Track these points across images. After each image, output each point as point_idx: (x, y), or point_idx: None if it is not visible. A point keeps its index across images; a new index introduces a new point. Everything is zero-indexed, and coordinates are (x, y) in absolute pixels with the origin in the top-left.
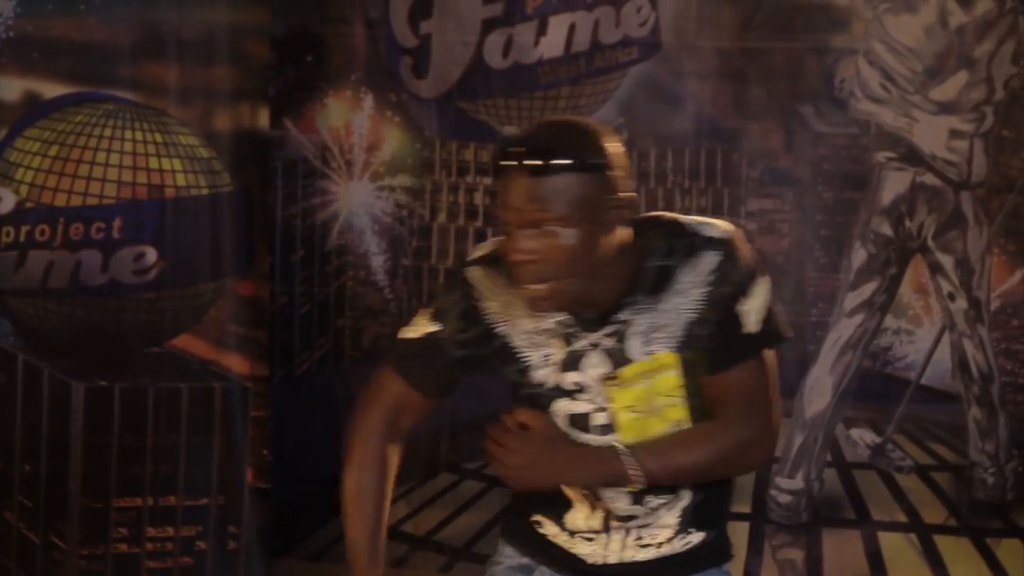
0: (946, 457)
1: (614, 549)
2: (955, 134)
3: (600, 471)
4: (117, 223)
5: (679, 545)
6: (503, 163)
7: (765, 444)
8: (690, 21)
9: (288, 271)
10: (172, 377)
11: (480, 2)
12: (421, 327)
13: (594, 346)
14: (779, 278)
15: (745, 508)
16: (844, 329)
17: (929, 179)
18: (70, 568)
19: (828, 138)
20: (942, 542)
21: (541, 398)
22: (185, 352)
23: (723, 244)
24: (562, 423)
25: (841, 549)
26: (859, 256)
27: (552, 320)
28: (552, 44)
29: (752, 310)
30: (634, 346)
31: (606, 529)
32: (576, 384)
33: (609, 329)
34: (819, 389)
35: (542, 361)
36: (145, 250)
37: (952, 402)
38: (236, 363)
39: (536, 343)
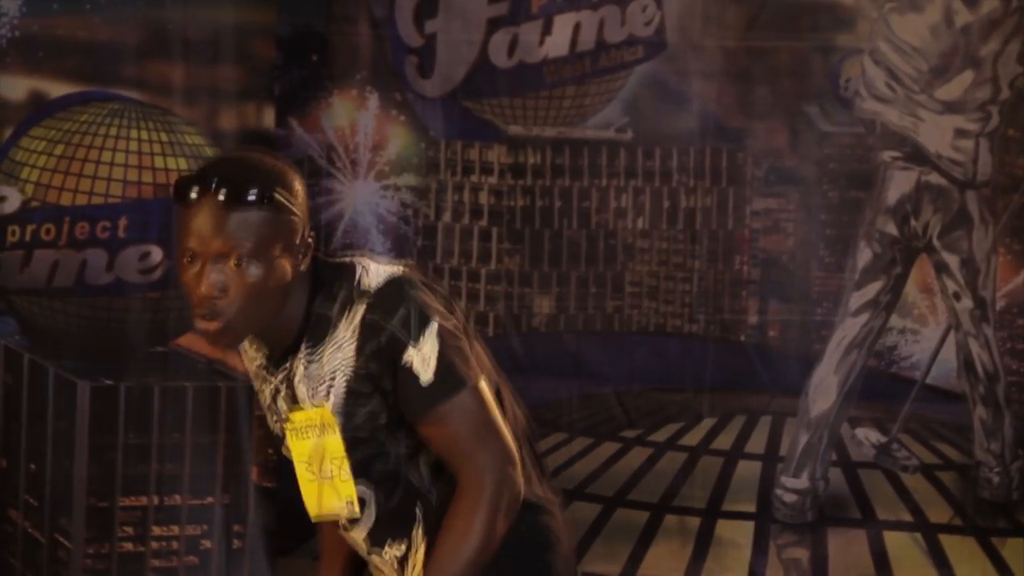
0: (951, 456)
1: None
2: (960, 133)
3: None
4: (123, 222)
5: None
6: (189, 191)
7: (505, 489)
8: (695, 20)
9: None
10: (177, 376)
11: (485, 1)
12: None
13: (276, 391)
14: (784, 278)
15: (750, 507)
16: (849, 328)
17: (934, 178)
18: (75, 567)
19: (833, 137)
20: (947, 541)
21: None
22: (190, 351)
23: (373, 295)
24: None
25: (846, 548)
26: (864, 255)
27: (257, 362)
28: (557, 43)
29: (423, 360)
30: (301, 392)
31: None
32: (281, 429)
33: (283, 374)
34: (824, 388)
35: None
36: (150, 249)
37: (957, 401)
38: (241, 362)
39: (257, 385)
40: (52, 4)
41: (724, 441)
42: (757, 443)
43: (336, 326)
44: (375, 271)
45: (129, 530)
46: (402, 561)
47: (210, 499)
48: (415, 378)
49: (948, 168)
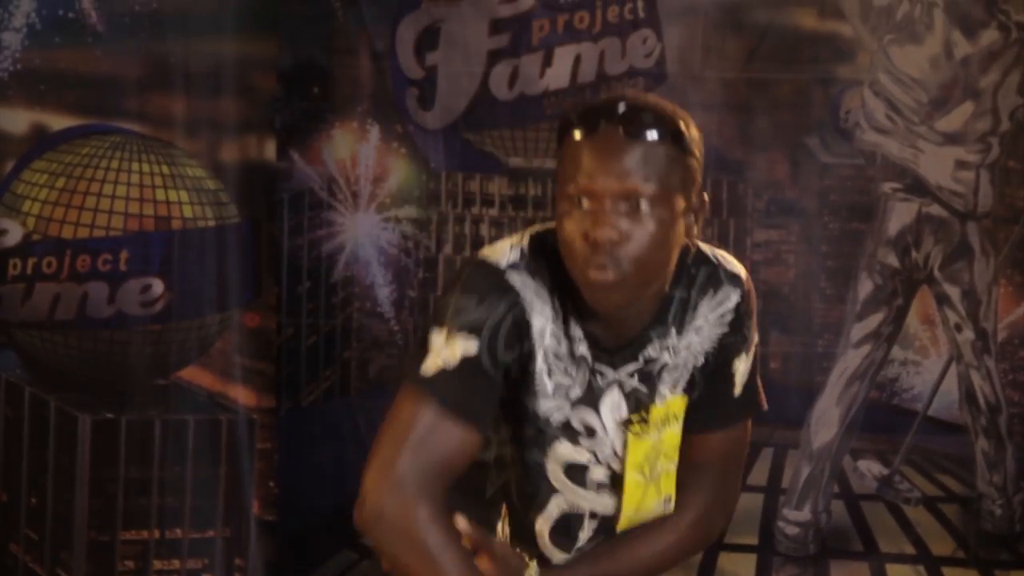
0: (954, 489)
1: None
2: (961, 165)
3: None
4: (124, 255)
5: None
6: (593, 118)
7: (721, 522)
8: (695, 52)
9: (294, 303)
10: (179, 409)
11: (486, 34)
12: (456, 348)
13: (617, 384)
14: (785, 309)
15: (752, 540)
16: (851, 360)
17: (935, 210)
18: None
19: (834, 169)
20: (950, 574)
21: (541, 437)
22: (192, 384)
23: (744, 285)
24: (557, 471)
25: None
26: (865, 287)
27: (583, 347)
28: (558, 75)
29: (743, 372)
30: (664, 385)
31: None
32: (587, 426)
33: (634, 366)
34: (826, 420)
35: (558, 392)
36: (152, 282)
37: (959, 433)
38: (242, 395)
39: (561, 369)
40: (54, 37)
41: None
42: (759, 475)
43: (697, 307)
44: (727, 256)
45: (130, 564)
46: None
47: (211, 532)
48: (732, 387)
49: (949, 199)
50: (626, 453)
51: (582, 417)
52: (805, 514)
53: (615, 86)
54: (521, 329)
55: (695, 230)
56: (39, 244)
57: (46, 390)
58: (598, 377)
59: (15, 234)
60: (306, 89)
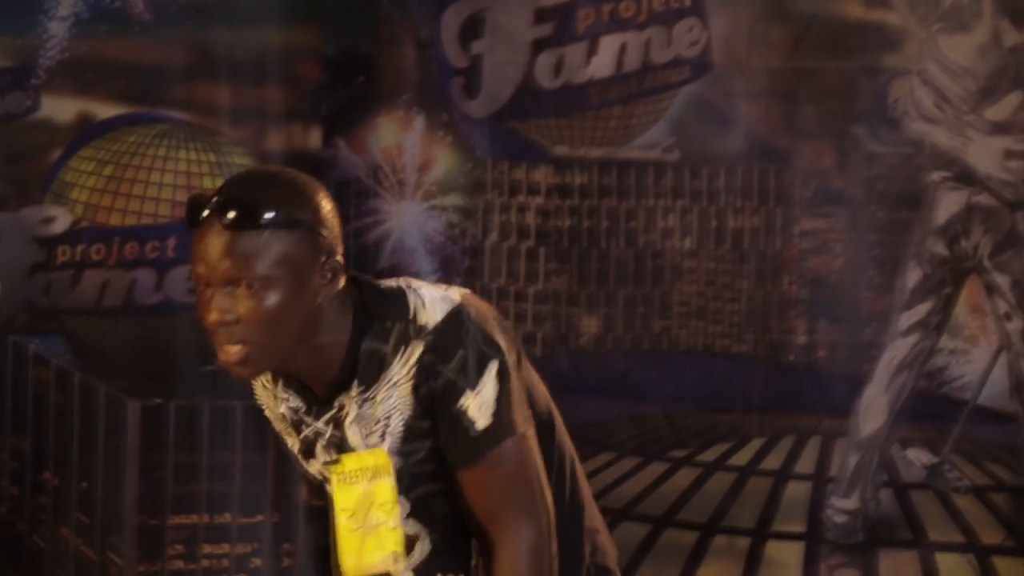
0: (1003, 477)
1: None
2: (1010, 154)
3: None
4: (171, 242)
5: None
6: (198, 213)
7: (549, 546)
8: (742, 41)
9: None
10: (227, 395)
11: (531, 22)
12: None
13: (319, 434)
14: (833, 298)
15: (799, 528)
16: (899, 349)
17: (984, 199)
18: None
19: (881, 158)
20: (999, 563)
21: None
22: None
23: (431, 334)
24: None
25: (897, 570)
26: (913, 276)
27: (285, 406)
28: (603, 64)
29: (479, 406)
30: (353, 435)
31: None
32: (321, 475)
33: (329, 415)
34: (874, 409)
35: (293, 450)
36: None
37: (1009, 422)
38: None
39: (284, 430)
40: (101, 26)
41: (773, 461)
42: (806, 464)
43: (390, 364)
44: (431, 301)
45: (179, 548)
46: None
47: (260, 517)
48: (470, 424)
49: (998, 189)
50: (334, 498)
51: (314, 469)
52: (853, 502)
53: (661, 74)
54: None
55: (331, 289)
56: (87, 231)
57: (95, 376)
58: (306, 429)
59: (63, 221)
60: (351, 78)
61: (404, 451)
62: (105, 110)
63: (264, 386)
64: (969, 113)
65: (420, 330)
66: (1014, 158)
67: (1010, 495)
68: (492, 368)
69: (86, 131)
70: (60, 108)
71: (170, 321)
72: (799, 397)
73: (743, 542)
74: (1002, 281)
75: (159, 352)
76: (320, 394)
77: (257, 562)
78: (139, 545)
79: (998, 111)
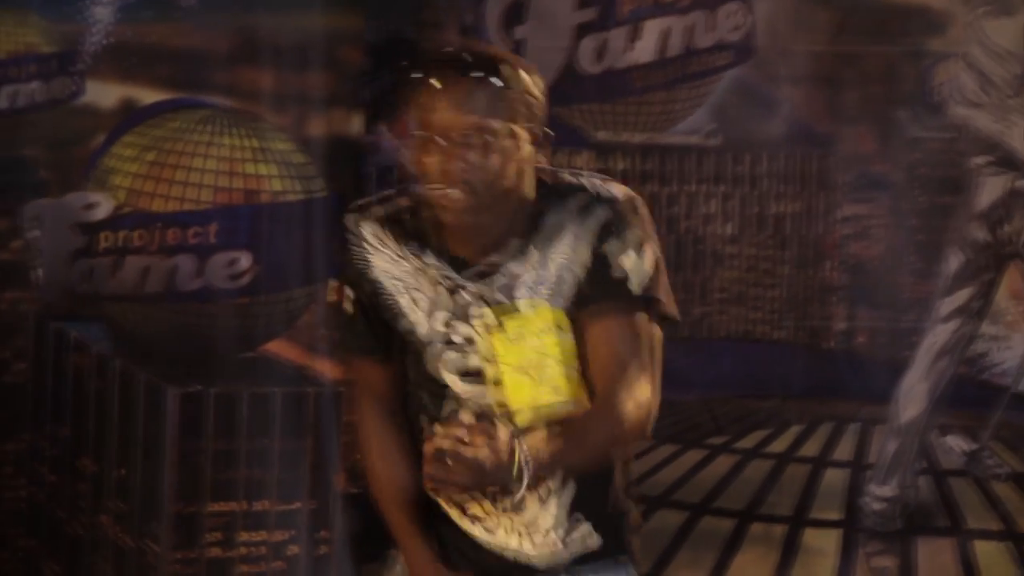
0: None
1: (501, 535)
2: None
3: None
4: (213, 228)
5: (565, 535)
6: (439, 64)
7: (646, 421)
8: (784, 25)
9: None
10: (265, 382)
11: (573, 7)
12: (347, 301)
13: (478, 296)
14: (873, 284)
15: (837, 515)
16: (939, 335)
17: None
18: (163, 572)
19: (923, 142)
20: None
21: (430, 351)
22: (278, 357)
23: (618, 203)
24: (456, 381)
25: (935, 557)
26: (954, 261)
27: (432, 267)
28: (645, 49)
29: (633, 267)
30: (519, 297)
31: (479, 518)
32: (466, 337)
33: (491, 278)
34: (913, 395)
35: (420, 309)
36: (239, 255)
37: None
38: (328, 368)
39: (420, 301)
40: (145, 11)
41: (811, 448)
42: (845, 450)
43: (567, 229)
44: (610, 184)
45: (217, 535)
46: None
47: (297, 504)
48: (621, 271)
49: None
50: (499, 355)
51: (458, 329)
52: (892, 489)
53: (703, 59)
54: (365, 267)
55: (541, 158)
56: (129, 217)
57: (135, 362)
58: (462, 292)
59: (106, 207)
60: (394, 63)
61: (571, 309)
62: (148, 96)
63: (376, 246)
64: (1013, 97)
65: (604, 200)
66: None
67: None
68: (654, 249)
69: (129, 117)
70: (104, 94)
71: (210, 308)
72: (838, 384)
73: (780, 529)
74: None
75: (199, 339)
76: (474, 258)
77: (294, 549)
78: (176, 532)
79: None
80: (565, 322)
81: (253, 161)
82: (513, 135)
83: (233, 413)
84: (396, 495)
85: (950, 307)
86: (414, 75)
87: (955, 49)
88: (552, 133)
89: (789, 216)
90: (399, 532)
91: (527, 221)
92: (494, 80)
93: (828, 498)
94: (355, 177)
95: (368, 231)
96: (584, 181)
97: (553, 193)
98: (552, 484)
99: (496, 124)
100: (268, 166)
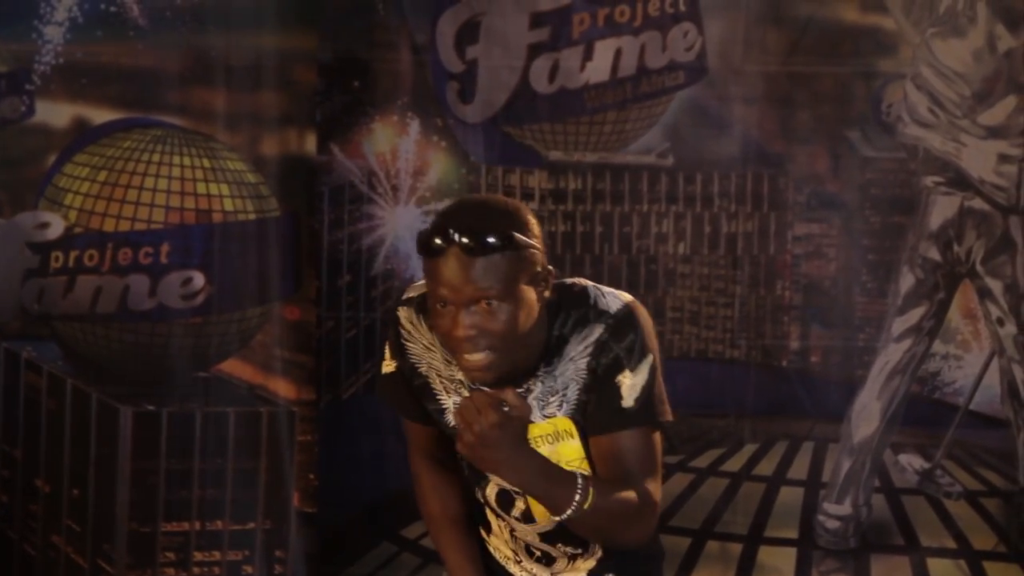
0: (995, 483)
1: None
2: (1004, 159)
3: (546, 486)
4: (165, 248)
5: None
6: (438, 243)
7: (643, 522)
8: (736, 45)
9: (334, 296)
10: (219, 402)
11: (526, 27)
12: (386, 363)
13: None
14: (826, 303)
15: (792, 533)
16: (892, 354)
17: (977, 204)
18: None
19: (875, 162)
20: (991, 568)
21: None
22: (232, 377)
23: (611, 318)
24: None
25: (889, 575)
26: (907, 281)
27: (457, 377)
28: (598, 69)
29: (631, 385)
30: (539, 410)
31: (518, 560)
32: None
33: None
34: (867, 414)
35: (444, 408)
36: (193, 275)
37: (1002, 427)
38: (283, 387)
39: (450, 389)
40: (96, 31)
41: (766, 467)
42: (799, 469)
43: (570, 342)
44: (609, 294)
45: (171, 555)
46: (573, 557)
47: (252, 524)
48: (619, 398)
49: (991, 193)
50: None
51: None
52: (846, 508)
53: (656, 79)
54: (402, 349)
55: (546, 293)
56: (81, 237)
57: (88, 382)
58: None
59: (57, 227)
60: (347, 83)
61: (577, 419)
62: (100, 115)
63: (411, 332)
64: (963, 118)
65: (600, 314)
66: (1007, 163)
67: (1002, 500)
68: (649, 360)
69: (81, 136)
70: (55, 113)
71: (163, 328)
72: (792, 402)
73: (736, 548)
74: (995, 286)
75: (152, 359)
76: (509, 378)
77: (249, 569)
78: (130, 552)
79: (992, 116)
80: (573, 429)
81: (205, 181)
82: (517, 293)
83: (187, 433)
84: (445, 520)
85: (903, 326)
86: (426, 248)
87: (905, 70)
88: (553, 270)
89: (742, 236)
90: (448, 551)
91: (545, 342)
92: (495, 255)
93: (783, 516)
94: (308, 197)
95: (404, 316)
96: (589, 292)
97: (561, 309)
98: (581, 548)
99: (499, 290)
100: (220, 186)
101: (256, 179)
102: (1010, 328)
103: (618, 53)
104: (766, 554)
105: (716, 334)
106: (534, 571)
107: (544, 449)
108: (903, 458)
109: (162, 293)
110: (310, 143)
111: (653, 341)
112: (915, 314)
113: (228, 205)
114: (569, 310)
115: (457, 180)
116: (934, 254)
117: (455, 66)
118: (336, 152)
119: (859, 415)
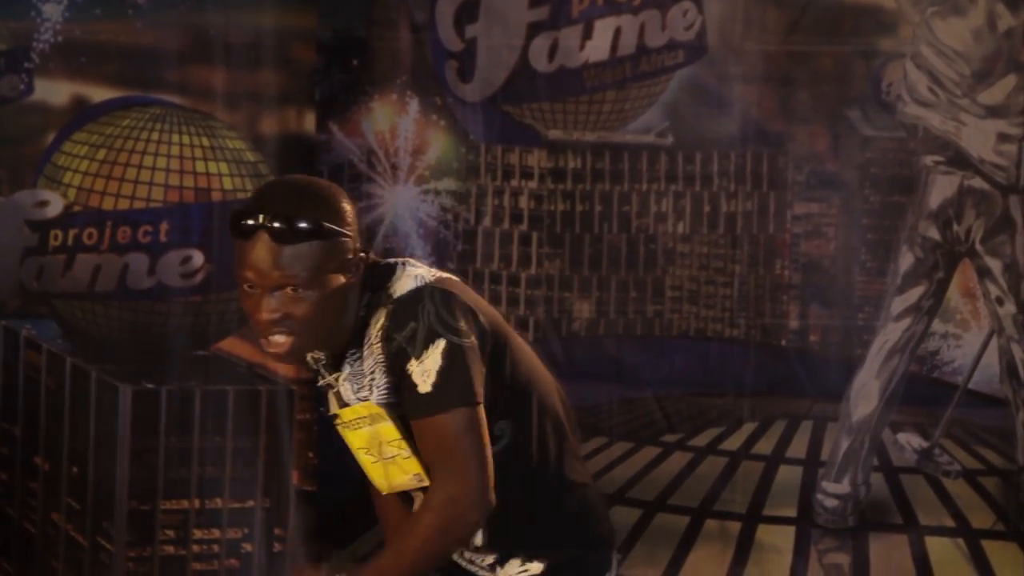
0: (994, 462)
1: None
2: (1003, 138)
3: None
4: (164, 226)
5: None
6: (245, 225)
7: (467, 508)
8: (736, 24)
9: None
10: (218, 380)
11: (526, 6)
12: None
13: (329, 387)
14: (826, 282)
15: (791, 512)
16: (891, 333)
17: (977, 183)
18: (117, 570)
19: (875, 142)
20: (990, 547)
21: None
22: (231, 355)
23: (394, 303)
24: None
25: (888, 554)
26: (906, 260)
27: (321, 366)
28: (597, 48)
29: (422, 372)
30: (347, 391)
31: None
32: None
33: (336, 373)
34: (866, 393)
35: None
36: (192, 253)
37: (1000, 406)
38: (282, 366)
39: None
40: (94, 9)
41: (765, 446)
42: (798, 448)
43: (369, 325)
44: (408, 277)
45: (171, 533)
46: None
47: (251, 502)
48: (414, 385)
49: (991, 172)
50: (348, 441)
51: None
52: (844, 486)
53: (655, 58)
54: None
55: (354, 280)
56: (80, 215)
57: (87, 361)
58: (321, 381)
59: (56, 205)
60: (346, 61)
61: (390, 402)
62: (99, 93)
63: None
64: (963, 97)
65: (388, 298)
66: (1007, 142)
67: (1000, 479)
68: (440, 344)
69: (80, 115)
70: (54, 91)
71: (162, 306)
72: (791, 382)
73: (734, 526)
74: (994, 265)
75: (151, 337)
76: (331, 359)
77: (248, 547)
78: (130, 530)
79: (992, 95)
80: (383, 413)
81: (204, 159)
82: (322, 280)
83: (186, 411)
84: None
85: (902, 305)
86: (234, 230)
87: (905, 49)
88: (366, 256)
89: (741, 215)
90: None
91: (355, 323)
92: (303, 244)
93: (782, 495)
94: (307, 175)
95: None
96: (394, 272)
97: (365, 290)
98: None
99: (303, 278)
100: (220, 164)
101: (255, 157)
102: (1009, 307)
103: (617, 32)
104: (765, 532)
105: (715, 313)
106: (473, 559)
107: (364, 431)
108: (902, 437)
109: (161, 271)
110: (309, 122)
111: (452, 320)
112: (914, 293)
113: (227, 184)
114: (370, 291)
115: (456, 159)
116: (933, 233)
117: (454, 45)
118: (335, 131)
119: (858, 394)
